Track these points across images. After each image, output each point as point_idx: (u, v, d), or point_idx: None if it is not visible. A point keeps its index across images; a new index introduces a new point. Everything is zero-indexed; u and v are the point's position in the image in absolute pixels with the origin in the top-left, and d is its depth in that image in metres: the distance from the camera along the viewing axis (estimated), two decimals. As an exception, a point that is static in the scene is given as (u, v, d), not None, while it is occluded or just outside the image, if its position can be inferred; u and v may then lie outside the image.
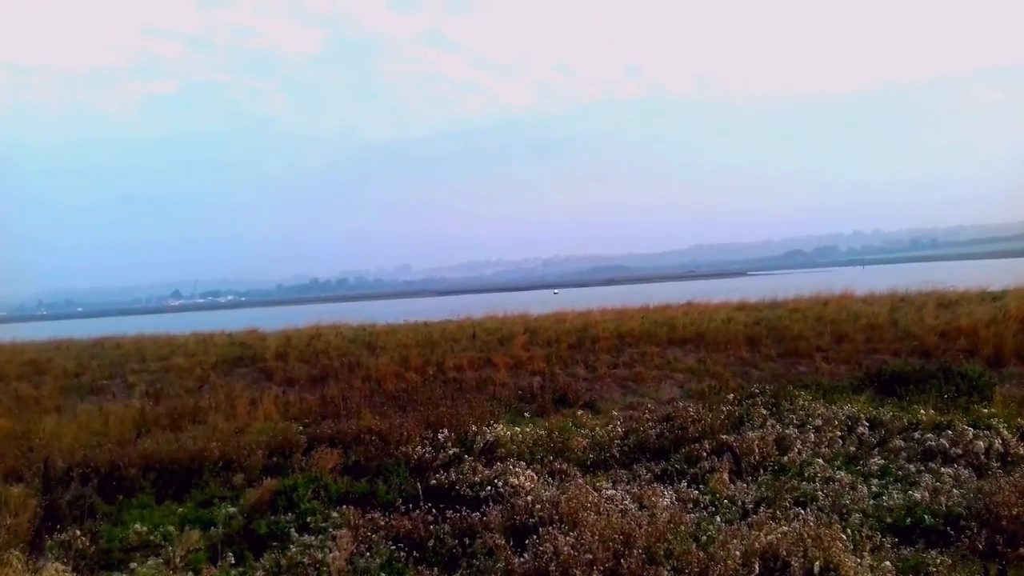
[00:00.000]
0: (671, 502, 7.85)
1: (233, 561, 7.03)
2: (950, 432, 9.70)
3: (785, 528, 6.21)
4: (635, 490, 8.33)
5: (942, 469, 8.63)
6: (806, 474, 8.83)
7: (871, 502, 7.75)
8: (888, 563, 5.66)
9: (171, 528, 8.01)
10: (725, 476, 8.96)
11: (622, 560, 5.63)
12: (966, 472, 8.54)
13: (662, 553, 5.80)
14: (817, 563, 5.46)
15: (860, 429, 10.39)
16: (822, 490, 8.15)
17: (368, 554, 7.07)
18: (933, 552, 6.38)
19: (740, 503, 7.94)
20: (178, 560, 7.11)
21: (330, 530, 7.65)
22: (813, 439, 10.12)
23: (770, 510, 7.35)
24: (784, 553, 5.68)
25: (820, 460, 9.26)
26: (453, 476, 9.25)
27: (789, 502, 7.77)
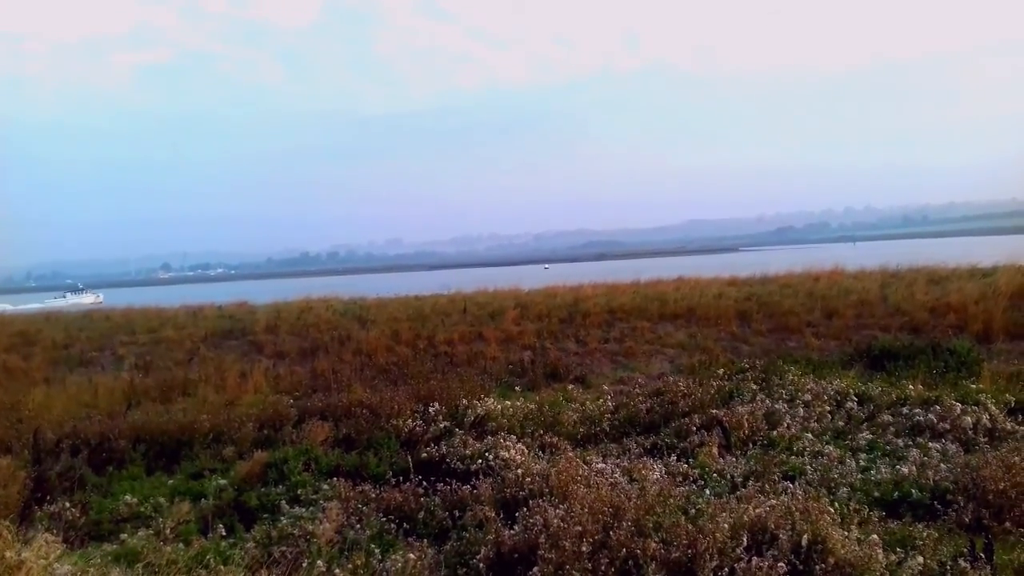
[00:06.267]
0: (661, 476, 7.87)
1: (224, 532, 7.01)
2: (938, 407, 9.74)
3: (773, 501, 6.23)
4: (625, 464, 8.36)
5: (930, 444, 8.67)
6: (795, 448, 8.88)
7: (859, 476, 7.79)
8: (875, 536, 5.69)
9: (161, 500, 8.00)
10: (714, 450, 9.00)
11: (611, 532, 5.65)
12: (953, 447, 8.59)
13: (651, 526, 5.82)
14: (805, 536, 5.49)
15: (849, 404, 10.45)
16: (810, 464, 8.20)
17: (358, 526, 7.09)
18: (920, 526, 6.42)
19: (729, 477, 7.97)
20: (168, 531, 7.10)
21: (320, 502, 7.66)
22: (802, 414, 10.18)
23: (759, 484, 7.37)
24: (772, 526, 5.71)
25: (809, 435, 9.31)
26: (444, 449, 9.27)
27: (778, 476, 7.80)
